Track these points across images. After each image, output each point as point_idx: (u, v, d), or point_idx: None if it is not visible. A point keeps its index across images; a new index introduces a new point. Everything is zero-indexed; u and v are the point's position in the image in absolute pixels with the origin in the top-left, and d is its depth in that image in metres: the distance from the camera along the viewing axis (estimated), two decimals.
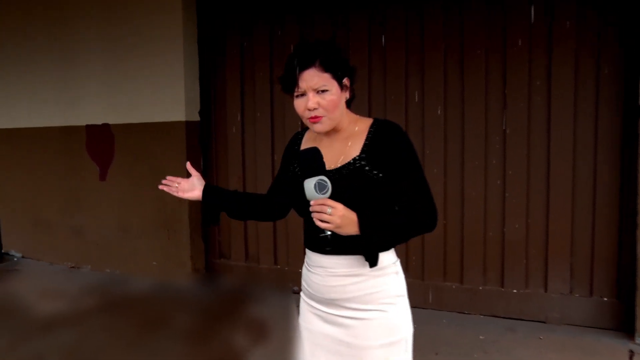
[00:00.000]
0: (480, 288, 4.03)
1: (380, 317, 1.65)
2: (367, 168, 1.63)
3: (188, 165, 2.04)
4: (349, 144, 1.68)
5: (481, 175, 3.99)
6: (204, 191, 1.99)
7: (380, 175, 1.62)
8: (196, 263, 4.90)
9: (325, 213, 1.53)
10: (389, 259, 1.70)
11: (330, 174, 1.60)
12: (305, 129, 1.88)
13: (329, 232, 1.55)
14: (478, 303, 4.04)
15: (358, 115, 1.77)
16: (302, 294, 1.85)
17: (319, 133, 1.71)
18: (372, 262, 1.63)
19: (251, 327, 3.93)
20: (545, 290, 3.91)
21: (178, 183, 2.03)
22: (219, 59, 4.84)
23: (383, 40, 4.21)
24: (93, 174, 5.27)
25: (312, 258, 1.75)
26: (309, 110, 1.63)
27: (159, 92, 4.81)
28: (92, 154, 5.26)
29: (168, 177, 2.03)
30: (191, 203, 4.79)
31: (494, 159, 3.97)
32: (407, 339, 1.71)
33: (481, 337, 3.66)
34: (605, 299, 3.77)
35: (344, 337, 1.68)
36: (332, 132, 1.71)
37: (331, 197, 1.55)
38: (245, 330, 3.90)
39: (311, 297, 1.77)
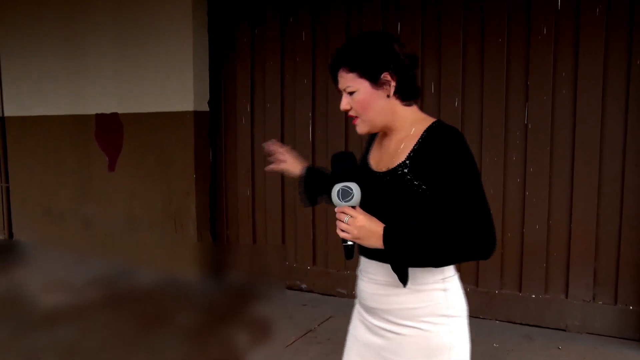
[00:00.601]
0: (497, 292, 3.80)
1: (417, 336, 1.51)
2: (408, 177, 1.47)
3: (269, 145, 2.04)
4: (401, 146, 1.53)
5: (500, 172, 3.75)
6: (306, 171, 1.97)
7: (424, 187, 1.45)
8: (203, 257, 4.79)
9: (342, 221, 1.45)
10: (433, 274, 1.52)
11: (376, 178, 1.53)
12: None
13: (350, 242, 1.46)
14: (494, 308, 3.82)
15: (424, 115, 1.59)
16: (356, 298, 1.76)
17: (361, 134, 1.64)
18: (401, 278, 1.49)
19: (253, 325, 3.81)
20: (566, 296, 3.66)
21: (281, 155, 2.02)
22: (229, 48, 4.68)
23: (399, 28, 4.00)
24: (102, 165, 5.19)
25: (361, 262, 1.66)
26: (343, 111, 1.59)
27: (167, 82, 4.69)
28: (101, 144, 5.18)
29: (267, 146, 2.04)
30: (198, 196, 4.68)
31: (514, 155, 3.74)
32: None
33: (495, 344, 3.44)
34: (631, 307, 3.52)
35: (381, 351, 1.57)
36: (390, 132, 1.58)
37: (367, 205, 1.47)
38: (247, 328, 3.79)
39: (359, 303, 1.69)
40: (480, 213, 1.41)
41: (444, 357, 1.52)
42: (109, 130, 5.09)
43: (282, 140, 4.49)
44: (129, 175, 5.05)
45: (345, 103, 1.55)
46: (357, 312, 1.69)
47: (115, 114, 5.03)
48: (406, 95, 1.55)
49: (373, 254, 1.55)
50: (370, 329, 1.60)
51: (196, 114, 4.62)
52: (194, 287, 4.58)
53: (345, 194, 1.44)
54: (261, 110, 4.59)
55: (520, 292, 3.78)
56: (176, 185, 4.77)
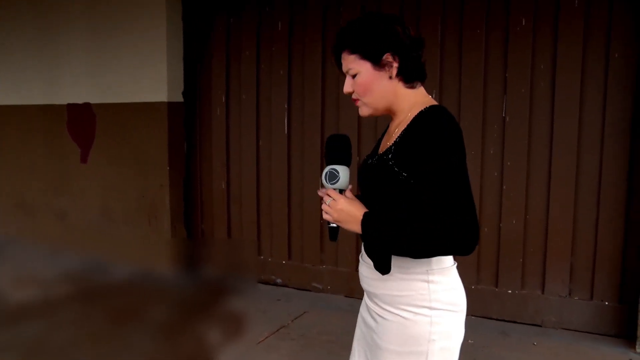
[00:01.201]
0: (473, 287, 3.75)
1: (397, 322, 1.50)
2: (390, 163, 1.44)
3: None
4: (396, 130, 1.51)
5: (477, 165, 3.69)
6: None
7: (405, 174, 1.41)
8: (177, 251, 4.70)
9: (325, 204, 1.48)
10: (418, 263, 1.49)
11: (367, 163, 1.55)
12: None
13: (333, 224, 1.48)
14: (470, 303, 3.74)
15: (427, 99, 1.52)
16: None
17: (363, 117, 1.61)
18: (378, 267, 1.46)
19: (226, 321, 3.74)
20: (543, 291, 3.63)
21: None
22: (205, 38, 4.57)
23: None
24: (75, 156, 5.07)
25: (363, 246, 1.66)
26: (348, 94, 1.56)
27: (141, 72, 4.58)
28: (73, 134, 5.05)
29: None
30: (172, 189, 4.58)
31: (491, 149, 3.68)
32: (430, 356, 1.49)
33: (470, 341, 3.39)
34: (607, 303, 3.48)
35: (372, 333, 1.59)
36: (393, 115, 1.57)
37: (362, 191, 1.52)
38: (220, 324, 3.72)
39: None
40: (461, 205, 1.33)
41: (422, 348, 1.49)
42: (82, 121, 4.97)
43: (258, 132, 4.41)
44: (102, 167, 4.93)
45: (348, 86, 1.53)
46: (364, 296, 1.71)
47: (87, 104, 4.91)
48: (409, 76, 1.51)
49: None
50: (368, 311, 1.62)
51: (170, 105, 4.51)
52: (167, 282, 4.49)
53: (332, 177, 1.47)
54: (237, 101, 4.49)
55: (496, 287, 3.74)
56: (150, 178, 4.66)
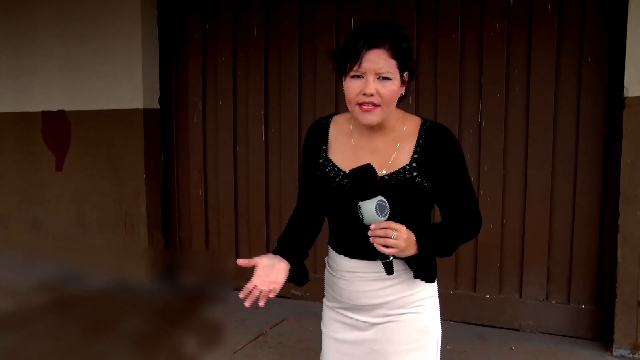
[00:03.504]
0: (451, 292, 3.75)
1: (412, 320, 1.56)
2: (418, 179, 1.48)
3: (240, 262, 1.58)
4: (398, 146, 1.51)
5: None
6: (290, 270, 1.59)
7: (429, 185, 1.49)
8: (155, 259, 4.63)
9: (389, 237, 1.37)
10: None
11: (382, 188, 1.46)
12: (329, 116, 1.63)
13: (392, 257, 1.42)
14: (448, 308, 3.74)
15: (403, 112, 1.57)
16: (325, 300, 1.70)
17: (366, 125, 1.49)
18: (430, 279, 1.58)
19: (204, 330, 3.69)
20: (520, 296, 3.63)
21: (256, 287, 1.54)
22: (180, 44, 4.52)
23: (351, 23, 3.90)
24: (49, 164, 4.98)
25: (339, 262, 1.61)
26: (365, 95, 1.42)
27: (116, 78, 4.51)
28: (47, 142, 4.97)
29: (242, 293, 1.54)
30: (149, 196, 4.53)
31: (467, 154, 3.67)
32: (438, 340, 1.63)
33: (449, 346, 3.38)
34: (584, 306, 3.50)
35: (374, 344, 1.57)
36: (377, 129, 1.51)
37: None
38: (197, 333, 3.66)
39: (337, 303, 1.64)
40: (474, 201, 1.55)
41: (431, 337, 1.59)
42: (56, 129, 4.89)
43: (235, 138, 4.37)
44: (78, 175, 4.85)
45: (374, 88, 1.41)
46: (334, 313, 1.65)
47: (62, 112, 4.83)
48: (402, 97, 1.53)
49: (363, 254, 1.53)
50: (357, 326, 1.60)
51: (146, 111, 4.46)
52: (144, 290, 4.42)
53: (382, 209, 1.38)
54: (213, 107, 4.45)
55: (474, 292, 3.74)
56: (126, 186, 4.60)
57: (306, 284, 1.63)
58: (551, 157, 3.50)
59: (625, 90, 3.14)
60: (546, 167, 3.52)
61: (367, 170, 1.40)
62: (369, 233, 1.38)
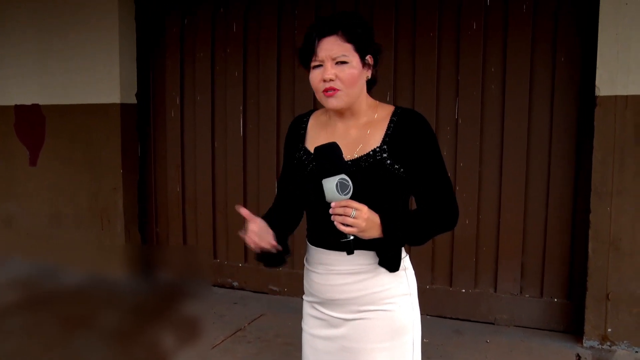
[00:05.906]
0: (428, 287, 3.81)
1: (383, 318, 1.53)
2: (388, 162, 1.49)
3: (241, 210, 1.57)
4: (368, 132, 1.54)
5: None
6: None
7: (402, 170, 1.49)
8: (132, 255, 4.60)
9: (348, 216, 1.37)
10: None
11: (351, 165, 1.49)
12: (309, 112, 1.68)
13: (351, 237, 1.40)
14: (425, 303, 3.77)
15: (377, 101, 1.61)
16: (304, 296, 1.70)
17: (332, 109, 1.54)
18: (392, 267, 1.52)
19: (181, 325, 3.68)
20: (495, 290, 3.71)
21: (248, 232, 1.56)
22: (158, 38, 4.50)
23: None
24: (23, 159, 4.91)
25: (313, 254, 1.62)
26: (325, 81, 1.48)
27: (92, 73, 4.46)
28: (21, 137, 4.89)
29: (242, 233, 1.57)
30: (126, 192, 4.49)
31: (444, 151, 3.73)
32: (415, 340, 1.59)
33: (425, 340, 3.42)
34: (556, 299, 3.59)
35: (346, 342, 1.56)
36: (349, 116, 1.56)
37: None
38: (174, 329, 3.66)
39: (312, 298, 1.64)
40: (450, 190, 1.53)
41: (406, 337, 1.55)
42: (30, 123, 4.81)
43: (213, 134, 4.36)
44: (53, 170, 4.79)
45: (332, 73, 1.46)
46: (311, 309, 1.65)
47: (36, 105, 4.76)
48: (374, 82, 1.58)
49: (333, 245, 1.52)
50: (331, 322, 1.58)
51: (123, 106, 4.42)
52: (120, 287, 4.39)
53: (344, 187, 1.38)
54: (191, 102, 4.43)
55: (450, 287, 3.80)
56: (103, 181, 4.55)
57: (284, 264, 1.65)
58: (525, 154, 3.57)
59: (596, 90, 3.23)
60: (521, 164, 3.59)
61: (330, 147, 1.43)
62: (330, 211, 1.39)
